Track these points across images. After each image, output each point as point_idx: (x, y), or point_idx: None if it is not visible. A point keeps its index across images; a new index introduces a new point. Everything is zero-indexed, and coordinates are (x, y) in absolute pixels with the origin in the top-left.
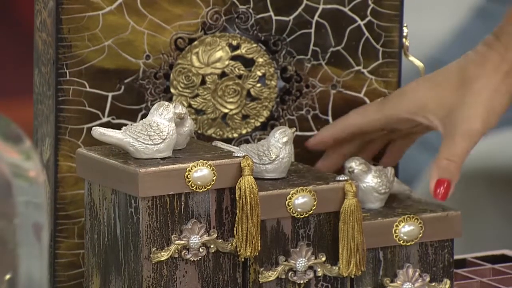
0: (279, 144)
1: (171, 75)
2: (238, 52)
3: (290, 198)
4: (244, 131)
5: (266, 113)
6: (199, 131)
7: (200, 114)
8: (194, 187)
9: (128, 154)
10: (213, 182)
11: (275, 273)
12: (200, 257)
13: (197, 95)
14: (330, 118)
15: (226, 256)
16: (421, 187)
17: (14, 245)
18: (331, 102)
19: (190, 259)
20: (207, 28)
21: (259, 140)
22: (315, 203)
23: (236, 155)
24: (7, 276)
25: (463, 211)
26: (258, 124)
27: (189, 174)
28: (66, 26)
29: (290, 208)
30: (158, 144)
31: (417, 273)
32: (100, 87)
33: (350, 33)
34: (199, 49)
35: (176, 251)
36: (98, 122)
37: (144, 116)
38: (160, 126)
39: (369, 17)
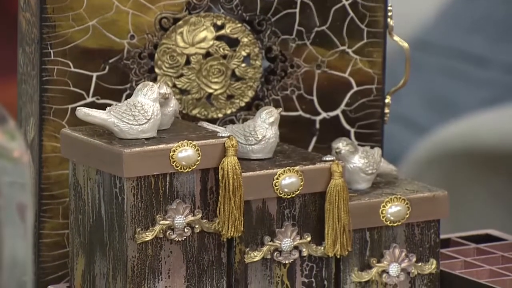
0: (265, 125)
1: (156, 55)
2: (222, 32)
3: (277, 179)
4: (229, 111)
5: (251, 93)
6: (183, 111)
7: (184, 94)
8: (179, 167)
9: (113, 135)
10: (197, 162)
11: (261, 253)
12: (185, 237)
13: (181, 75)
14: (315, 98)
15: (211, 236)
16: (406, 167)
17: None
18: (316, 82)
19: (175, 239)
20: (191, 8)
21: (244, 120)
22: (301, 183)
23: (220, 135)
24: None
25: (449, 191)
26: (243, 104)
27: (173, 154)
28: (50, 5)
29: (277, 189)
30: (142, 124)
31: (403, 254)
32: (84, 67)
33: (334, 13)
34: (184, 29)
35: (161, 231)
36: (83, 102)
37: (129, 96)
38: (145, 106)
39: None
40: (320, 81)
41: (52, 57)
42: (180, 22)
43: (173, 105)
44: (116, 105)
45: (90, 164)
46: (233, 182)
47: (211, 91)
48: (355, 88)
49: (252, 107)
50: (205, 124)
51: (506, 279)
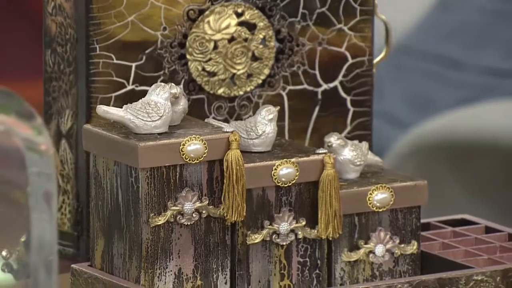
0: (265, 121)
1: (187, 42)
2: (243, 18)
3: (276, 169)
4: (248, 89)
5: (266, 71)
6: (210, 91)
7: (211, 76)
8: (188, 159)
9: (129, 130)
10: (204, 155)
11: (261, 236)
12: (193, 221)
13: (210, 59)
14: (317, 72)
15: (216, 220)
16: (391, 159)
17: (27, 210)
18: (317, 58)
19: (184, 223)
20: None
21: (258, 96)
22: (297, 173)
23: (225, 130)
24: (22, 238)
25: (428, 181)
26: (260, 81)
27: (183, 147)
28: (96, 6)
29: (276, 178)
30: (155, 121)
31: (388, 236)
32: (125, 59)
33: None
34: (210, 18)
35: (172, 216)
36: (124, 90)
37: (163, 81)
38: (158, 104)
39: None
40: (321, 57)
41: (97, 52)
42: (207, 12)
43: (182, 103)
44: (132, 103)
45: (109, 156)
46: (236, 173)
47: (235, 71)
48: (350, 61)
49: (265, 84)
50: (211, 121)
51: (479, 258)
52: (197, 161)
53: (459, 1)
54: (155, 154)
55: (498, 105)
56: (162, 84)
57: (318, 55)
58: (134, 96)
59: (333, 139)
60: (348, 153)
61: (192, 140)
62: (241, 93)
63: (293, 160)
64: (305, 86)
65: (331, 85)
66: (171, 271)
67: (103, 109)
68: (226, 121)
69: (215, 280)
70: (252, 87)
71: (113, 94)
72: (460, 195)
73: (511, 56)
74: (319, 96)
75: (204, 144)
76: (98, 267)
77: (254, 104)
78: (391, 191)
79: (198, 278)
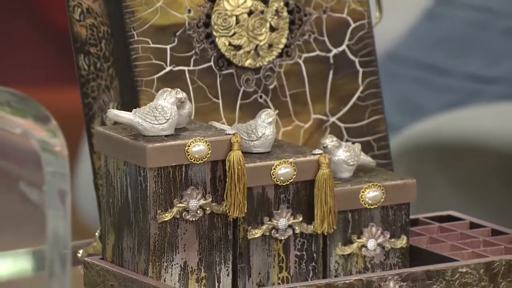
0: (264, 124)
1: (212, 21)
2: None
3: (275, 169)
4: (270, 59)
5: (283, 41)
6: (239, 64)
7: (237, 49)
8: (193, 159)
9: (138, 132)
10: (208, 155)
11: (261, 231)
12: (198, 217)
13: (234, 34)
14: (326, 39)
15: (219, 217)
16: None
17: (43, 207)
18: (324, 25)
19: (189, 219)
20: None
21: (279, 66)
22: (295, 173)
23: (227, 133)
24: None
25: (417, 180)
26: (279, 51)
27: (188, 148)
28: None
29: (274, 177)
30: (162, 123)
31: (379, 231)
32: (160, 42)
33: None
34: None
35: (178, 212)
36: (164, 71)
37: (196, 61)
38: (164, 108)
39: None
40: (327, 24)
41: (136, 38)
42: None
43: (188, 107)
44: (140, 107)
45: (119, 157)
46: (238, 172)
47: (257, 42)
48: (353, 25)
49: (283, 54)
50: (215, 124)
51: (464, 252)
52: (201, 161)
53: (445, 12)
54: (162, 155)
55: (483, 109)
56: (169, 89)
57: (325, 22)
58: (173, 77)
59: (328, 141)
60: (342, 153)
61: (197, 141)
62: (265, 63)
63: (290, 160)
64: (318, 52)
65: (340, 49)
66: (177, 264)
67: (114, 113)
68: (255, 92)
69: (218, 272)
70: (273, 57)
71: (155, 76)
72: (447, 193)
73: (494, 63)
74: (331, 61)
75: (208, 145)
76: (109, 260)
77: (277, 74)
78: (382, 189)
79: (202, 271)
